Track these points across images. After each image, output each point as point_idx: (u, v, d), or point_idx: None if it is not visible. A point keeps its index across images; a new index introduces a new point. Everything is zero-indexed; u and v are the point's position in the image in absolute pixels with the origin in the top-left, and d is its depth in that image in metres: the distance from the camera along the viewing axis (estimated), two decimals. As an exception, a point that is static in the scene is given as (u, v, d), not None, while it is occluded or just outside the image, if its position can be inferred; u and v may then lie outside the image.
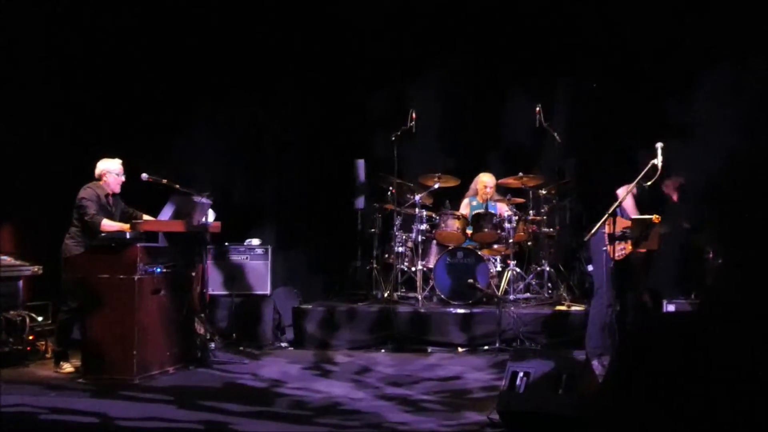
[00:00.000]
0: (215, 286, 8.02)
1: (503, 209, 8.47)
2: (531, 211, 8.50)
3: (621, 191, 6.42)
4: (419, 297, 8.24)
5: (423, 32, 9.32)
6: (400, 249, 8.56)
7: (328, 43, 9.40)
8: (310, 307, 8.24)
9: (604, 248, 6.36)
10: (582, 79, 9.03)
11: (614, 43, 8.79)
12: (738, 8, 7.82)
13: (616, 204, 6.21)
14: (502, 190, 8.72)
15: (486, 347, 7.56)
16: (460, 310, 7.91)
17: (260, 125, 9.57)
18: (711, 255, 6.39)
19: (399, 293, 8.48)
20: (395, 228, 8.56)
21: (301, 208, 9.64)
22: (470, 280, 7.77)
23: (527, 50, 9.24)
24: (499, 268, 8.42)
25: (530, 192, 8.53)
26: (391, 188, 8.63)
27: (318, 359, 7.39)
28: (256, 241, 8.38)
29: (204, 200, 7.01)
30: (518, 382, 4.81)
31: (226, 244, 8.27)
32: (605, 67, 8.95)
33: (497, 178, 8.63)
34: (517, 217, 8.31)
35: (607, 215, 6.07)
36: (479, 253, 8.27)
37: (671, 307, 6.42)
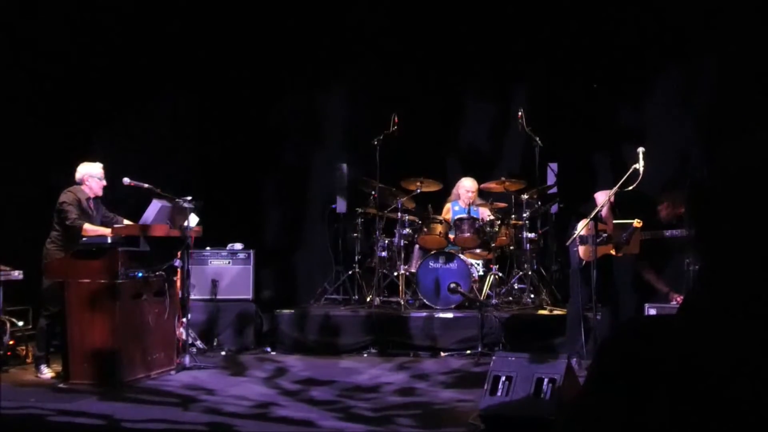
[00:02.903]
0: (197, 291, 7.99)
1: (485, 214, 8.47)
2: (513, 216, 8.49)
3: (599, 195, 6.47)
4: (401, 301, 8.25)
5: (403, 35, 9.32)
6: (383, 253, 8.55)
7: (308, 42, 9.38)
8: (292, 311, 8.23)
9: (575, 249, 6.41)
10: (562, 83, 9.06)
11: (601, 46, 8.85)
12: (696, 10, 7.91)
13: (598, 209, 6.26)
14: (484, 195, 8.73)
15: (468, 351, 7.57)
16: (443, 315, 7.92)
17: (242, 128, 9.56)
18: (689, 261, 6.44)
19: (381, 298, 8.47)
20: (377, 232, 8.55)
21: (283, 213, 9.62)
22: (452, 285, 7.78)
23: (509, 55, 9.26)
24: (481, 273, 8.42)
25: (512, 196, 8.52)
26: (373, 192, 8.61)
27: (295, 363, 7.40)
28: (238, 246, 8.36)
29: (186, 204, 6.99)
30: (500, 386, 4.83)
31: (209, 248, 8.26)
32: (588, 71, 8.99)
33: (480, 183, 8.63)
34: (499, 222, 8.31)
35: (588, 219, 6.11)
36: (461, 257, 8.27)
37: (652, 311, 6.46)
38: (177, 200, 6.97)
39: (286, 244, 9.41)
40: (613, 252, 6.56)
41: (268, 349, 8.01)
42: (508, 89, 9.21)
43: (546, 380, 4.80)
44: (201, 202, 7.28)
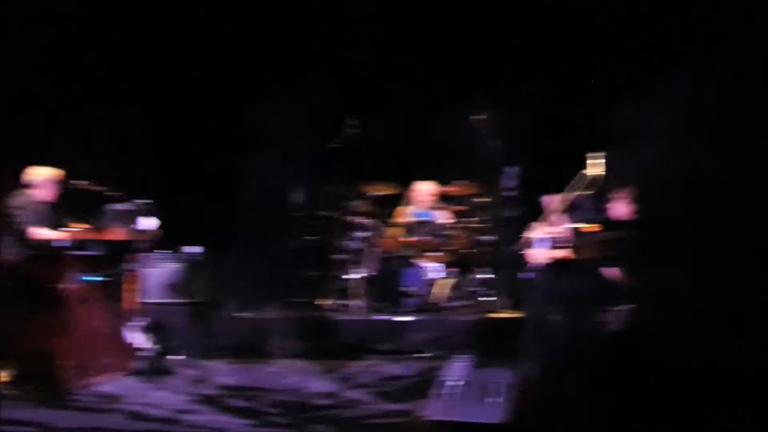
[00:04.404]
0: (151, 294, 7.89)
1: (442, 217, 8.48)
2: (471, 219, 8.51)
3: (549, 199, 6.51)
4: (356, 305, 8.23)
5: (364, 38, 9.28)
6: (338, 256, 8.53)
7: (271, 44, 9.33)
8: (247, 315, 8.17)
9: (530, 253, 6.46)
10: (525, 88, 9.08)
11: (556, 51, 8.87)
12: (676, 19, 7.96)
13: (550, 212, 6.30)
14: (442, 198, 8.73)
15: (423, 354, 7.56)
16: (398, 318, 7.88)
17: (202, 131, 9.48)
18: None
19: (336, 301, 8.44)
20: (333, 235, 8.53)
21: (239, 215, 9.53)
22: (408, 288, 7.81)
23: (470, 58, 9.23)
24: (437, 276, 8.38)
25: (470, 200, 8.55)
26: (330, 195, 8.59)
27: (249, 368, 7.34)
28: (192, 249, 8.28)
29: (142, 206, 6.93)
30: (451, 390, 4.83)
31: (163, 250, 8.17)
32: (548, 76, 9.01)
33: (438, 186, 8.65)
34: (456, 225, 8.33)
35: (540, 223, 6.16)
36: (418, 260, 8.27)
37: (609, 317, 6.49)
38: (133, 203, 6.91)
39: (242, 247, 9.33)
40: (569, 256, 6.60)
41: (224, 353, 7.93)
42: (470, 93, 9.14)
43: (498, 385, 4.80)
44: (158, 205, 7.21)
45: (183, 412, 5.63)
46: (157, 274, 8.01)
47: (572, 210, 6.61)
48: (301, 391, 6.26)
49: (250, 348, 7.84)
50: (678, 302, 1.11)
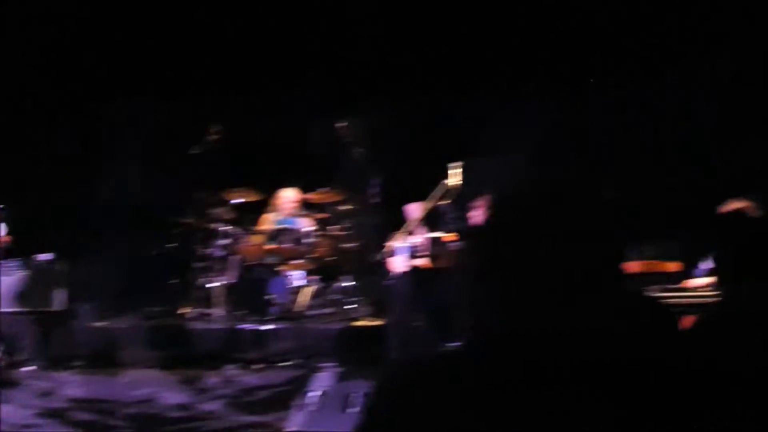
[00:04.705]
0: (5, 304, 7.54)
1: (305, 224, 8.45)
2: (334, 226, 8.51)
3: (412, 208, 6.59)
4: (218, 313, 8.10)
5: (230, 45, 9.16)
6: (200, 264, 8.39)
7: (131, 48, 9.08)
8: (103, 324, 7.92)
9: (391, 261, 6.51)
10: (390, 96, 9.15)
11: (421, 62, 8.96)
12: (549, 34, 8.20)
13: (412, 220, 6.37)
14: (305, 206, 8.70)
15: (285, 364, 7.49)
16: (260, 327, 7.77)
17: (57, 134, 9.15)
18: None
19: (197, 309, 8.28)
20: (195, 243, 8.38)
21: (97, 222, 9.24)
22: (271, 296, 7.73)
23: (333, 66, 9.25)
24: (300, 284, 8.33)
25: (333, 207, 8.55)
26: (192, 202, 8.44)
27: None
28: (49, 255, 7.96)
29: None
30: (313, 401, 4.82)
31: (18, 258, 7.82)
32: (414, 85, 9.11)
33: (301, 193, 8.61)
34: (319, 232, 8.32)
35: (402, 232, 6.22)
36: (280, 268, 8.21)
37: (466, 324, 6.60)
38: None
39: (99, 255, 9.03)
40: (428, 264, 6.68)
41: (81, 363, 7.64)
42: (334, 100, 9.18)
43: (357, 395, 4.81)
44: (8, 211, 6.92)
45: (27, 426, 5.38)
46: (6, 283, 7.67)
47: (433, 219, 6.70)
48: (155, 403, 6.09)
49: (104, 358, 7.60)
50: (519, 310, 1.11)
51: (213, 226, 8.39)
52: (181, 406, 6.03)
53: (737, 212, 3.60)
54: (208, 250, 8.42)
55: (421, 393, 1.28)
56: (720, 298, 2.61)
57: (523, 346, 1.25)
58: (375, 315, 8.17)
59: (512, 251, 1.30)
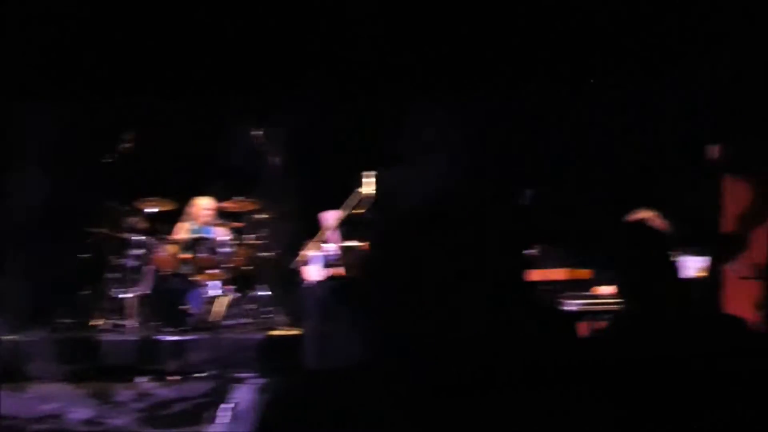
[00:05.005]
0: None
1: (221, 233, 8.38)
2: (249, 235, 8.44)
3: (327, 216, 6.58)
4: (131, 324, 7.95)
5: (142, 48, 8.98)
6: (113, 275, 8.22)
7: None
8: (9, 337, 7.69)
9: (306, 270, 6.50)
10: (305, 103, 9.10)
11: (337, 67, 8.87)
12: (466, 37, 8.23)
13: (327, 229, 6.36)
14: (220, 214, 8.62)
15: (200, 375, 7.39)
16: (175, 337, 7.67)
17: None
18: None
19: (110, 321, 8.10)
20: (108, 253, 8.21)
21: (7, 231, 8.98)
22: (186, 306, 7.66)
23: (250, 73, 9.13)
24: (215, 293, 8.23)
25: (249, 216, 8.48)
26: (104, 212, 8.27)
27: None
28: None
29: None
30: (224, 413, 4.75)
31: None
32: (330, 92, 9.06)
33: (216, 202, 8.53)
34: (235, 242, 8.25)
35: (315, 240, 6.20)
36: (196, 278, 8.11)
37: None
38: None
39: (8, 266, 8.79)
40: (341, 273, 6.67)
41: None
42: (249, 107, 9.11)
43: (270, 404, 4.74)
44: None
45: None
46: None
47: (347, 227, 6.70)
48: (62, 418, 5.93)
49: (12, 372, 7.37)
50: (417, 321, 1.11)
51: (126, 235, 8.24)
52: (90, 421, 5.88)
53: (640, 222, 3.69)
54: (122, 260, 8.26)
55: (313, 405, 1.28)
56: (621, 306, 2.65)
57: (422, 358, 1.26)
58: (292, 324, 8.13)
59: (406, 263, 1.30)
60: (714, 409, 1.32)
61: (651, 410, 1.30)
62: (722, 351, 1.95)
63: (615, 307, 4.72)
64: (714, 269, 5.27)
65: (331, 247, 6.55)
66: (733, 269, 5.09)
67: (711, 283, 5.27)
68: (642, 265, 2.60)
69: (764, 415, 1.31)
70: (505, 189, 7.52)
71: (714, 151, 4.56)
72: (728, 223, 4.92)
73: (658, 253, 2.63)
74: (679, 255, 5.84)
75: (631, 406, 1.28)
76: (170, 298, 7.99)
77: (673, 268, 2.64)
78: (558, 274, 6.49)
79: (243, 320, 8.21)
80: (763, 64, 6.61)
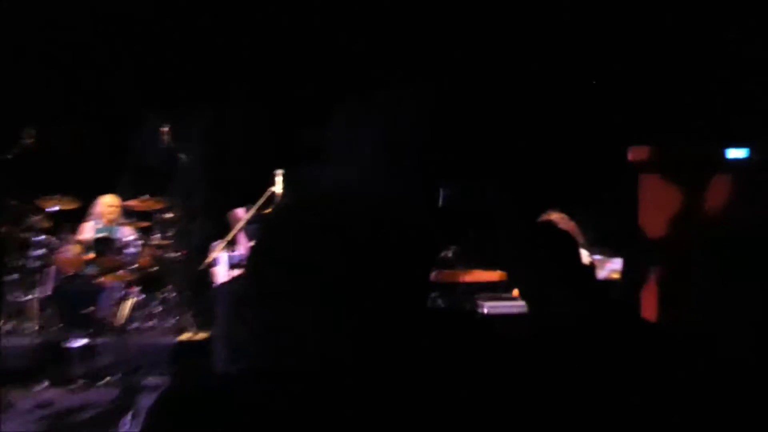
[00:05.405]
0: None
1: (126, 233, 8.17)
2: (157, 235, 8.27)
3: (237, 215, 6.45)
4: (31, 328, 7.67)
5: (43, 43, 8.70)
6: (13, 276, 7.94)
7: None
8: None
9: (214, 270, 6.36)
10: (216, 99, 8.96)
11: (251, 64, 8.80)
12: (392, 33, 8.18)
13: (235, 230, 6.23)
14: (126, 213, 8.41)
15: (106, 380, 7.15)
16: (78, 342, 7.40)
17: None
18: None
19: (9, 324, 7.82)
20: (7, 254, 7.93)
21: None
22: (89, 309, 7.44)
23: (155, 66, 8.93)
24: (120, 295, 8.02)
25: (156, 215, 8.31)
26: (4, 210, 7.98)
27: None
28: None
29: None
30: (127, 420, 4.64)
31: None
32: (241, 88, 8.93)
33: (121, 200, 8.32)
34: (141, 242, 8.07)
35: (224, 240, 6.06)
36: (101, 279, 7.88)
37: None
38: None
39: None
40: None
41: None
42: (157, 102, 8.86)
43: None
44: None
45: None
46: None
47: (255, 226, 6.56)
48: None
49: None
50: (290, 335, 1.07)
51: (27, 235, 7.97)
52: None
53: (546, 224, 3.64)
54: (22, 262, 7.98)
55: (206, 409, 1.21)
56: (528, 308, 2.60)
57: (313, 362, 1.21)
58: (200, 328, 7.97)
59: (280, 263, 1.24)
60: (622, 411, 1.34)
61: (559, 415, 1.29)
62: (631, 354, 1.94)
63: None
64: (630, 270, 5.25)
65: (240, 248, 6.39)
66: (649, 270, 5.10)
67: (626, 284, 5.25)
68: (542, 269, 2.55)
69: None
70: (415, 187, 7.51)
71: (638, 151, 4.56)
72: (646, 223, 4.94)
73: (561, 256, 2.57)
74: (593, 256, 5.88)
75: (540, 411, 1.27)
76: (73, 300, 7.72)
77: (579, 270, 2.58)
78: (475, 275, 6.46)
79: (149, 324, 8.04)
80: (684, 61, 6.72)
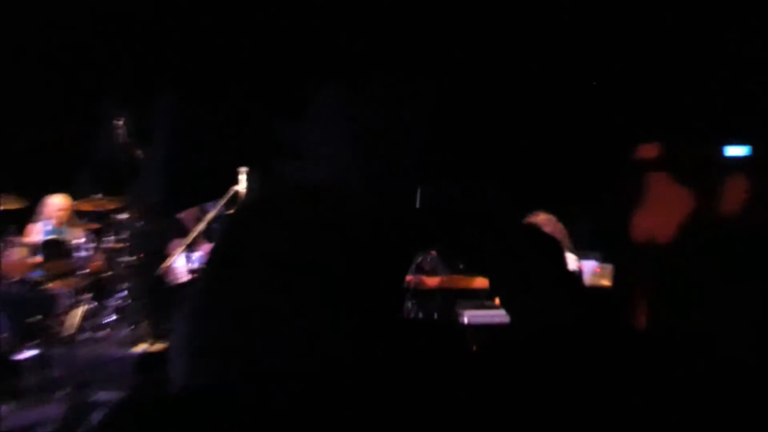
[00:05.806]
0: None
1: (76, 235, 7.86)
2: (111, 237, 7.96)
3: (185, 215, 6.15)
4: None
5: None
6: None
7: None
8: None
9: (171, 273, 6.04)
10: (173, 93, 8.70)
11: (210, 58, 8.55)
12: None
13: (195, 232, 5.87)
14: (76, 214, 8.11)
15: (50, 396, 6.74)
16: (26, 353, 7.02)
17: None
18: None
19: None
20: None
21: None
22: (38, 317, 7.14)
23: (112, 61, 8.64)
24: (71, 302, 7.68)
25: (109, 216, 8.01)
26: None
27: None
28: None
29: None
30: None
31: None
32: (201, 83, 8.69)
33: (71, 200, 8.02)
34: (93, 244, 7.78)
35: (180, 242, 5.72)
36: (47, 285, 7.59)
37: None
38: None
39: None
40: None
41: None
42: (111, 96, 8.55)
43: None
44: None
45: None
46: None
47: (218, 226, 6.24)
48: None
49: None
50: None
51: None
52: None
53: (531, 227, 3.30)
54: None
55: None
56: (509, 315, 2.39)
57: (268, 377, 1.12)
58: (157, 338, 7.60)
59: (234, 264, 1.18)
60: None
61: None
62: (621, 361, 1.78)
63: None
64: (620, 275, 5.28)
65: (198, 249, 6.01)
66: (640, 276, 5.06)
67: (616, 290, 5.30)
68: (526, 274, 2.27)
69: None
70: (392, 187, 7.42)
71: (638, 151, 4.53)
72: (645, 222, 4.87)
73: (543, 261, 2.29)
74: (580, 260, 5.65)
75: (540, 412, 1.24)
76: (17, 308, 7.33)
77: (565, 276, 2.29)
78: (454, 281, 6.25)
79: (100, 333, 7.71)
80: (679, 61, 6.81)
